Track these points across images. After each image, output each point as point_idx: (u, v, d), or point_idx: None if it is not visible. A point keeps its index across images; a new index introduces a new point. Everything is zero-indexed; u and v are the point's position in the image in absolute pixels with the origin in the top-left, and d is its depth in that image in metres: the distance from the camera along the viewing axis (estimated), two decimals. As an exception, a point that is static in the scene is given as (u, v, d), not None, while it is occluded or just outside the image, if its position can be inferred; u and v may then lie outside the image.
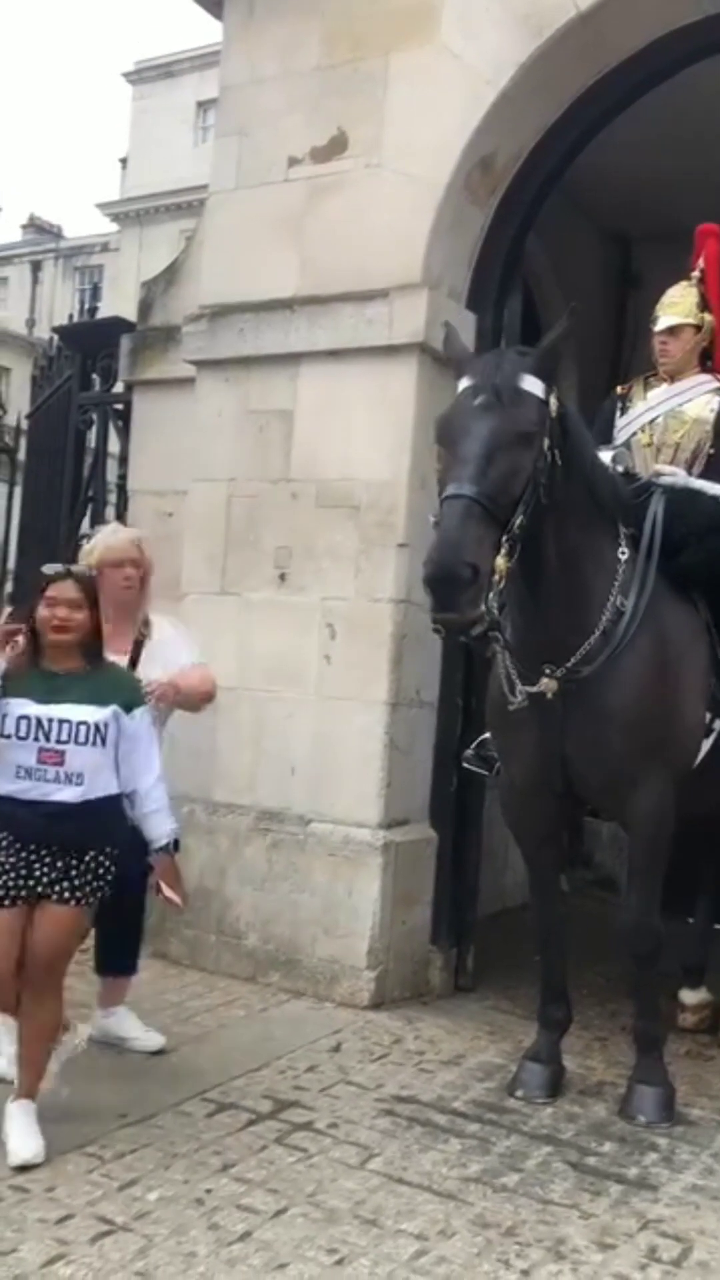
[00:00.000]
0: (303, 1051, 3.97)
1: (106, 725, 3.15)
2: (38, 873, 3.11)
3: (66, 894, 3.11)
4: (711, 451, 4.13)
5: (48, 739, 3.09)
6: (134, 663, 3.69)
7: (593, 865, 6.76)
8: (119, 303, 20.04)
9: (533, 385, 3.25)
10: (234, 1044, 3.97)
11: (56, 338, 7.01)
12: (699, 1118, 3.58)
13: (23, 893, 3.10)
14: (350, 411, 4.72)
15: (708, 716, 3.75)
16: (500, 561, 3.09)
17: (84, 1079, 3.48)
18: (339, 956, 4.55)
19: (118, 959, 3.90)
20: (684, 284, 4.25)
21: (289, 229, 4.92)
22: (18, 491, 8.01)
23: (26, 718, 3.09)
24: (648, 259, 6.98)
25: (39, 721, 3.09)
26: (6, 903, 3.10)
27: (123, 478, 5.87)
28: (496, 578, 3.08)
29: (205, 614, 4.98)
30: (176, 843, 3.35)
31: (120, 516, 5.89)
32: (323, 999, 4.52)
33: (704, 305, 4.21)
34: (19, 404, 8.30)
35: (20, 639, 3.15)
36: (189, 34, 26.23)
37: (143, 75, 31.17)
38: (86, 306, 30.83)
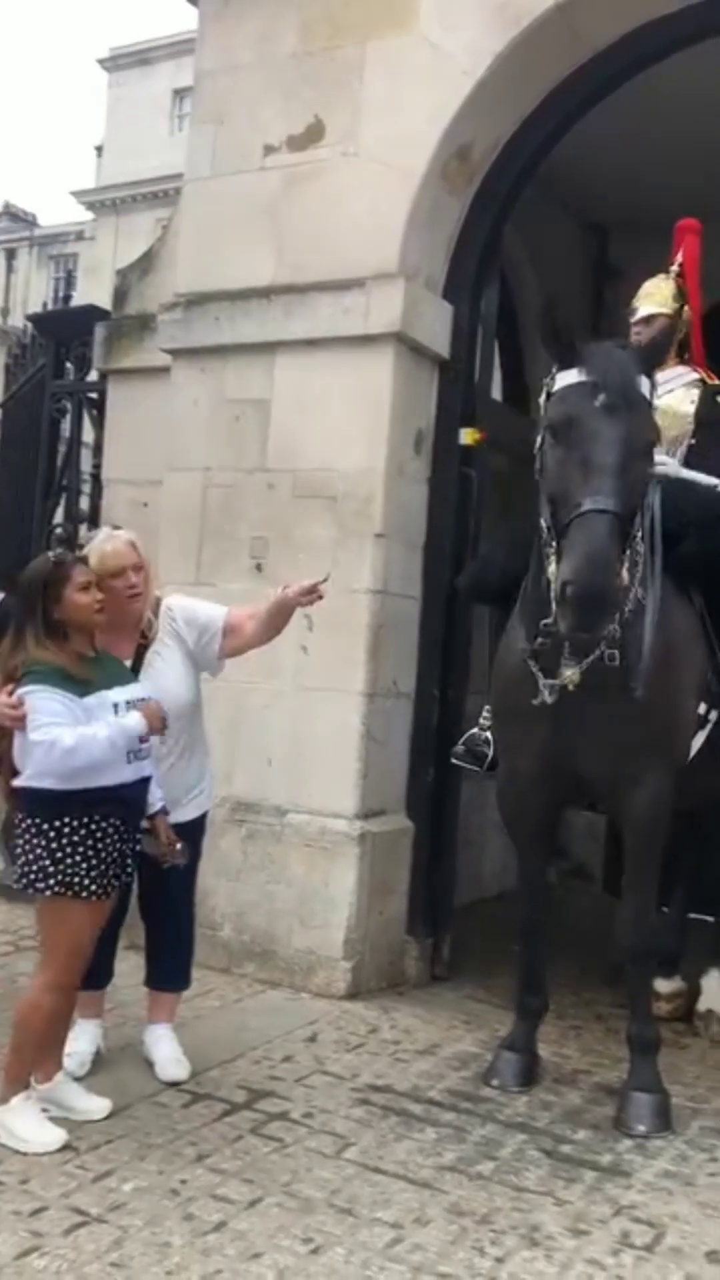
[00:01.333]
0: (278, 1042, 3.97)
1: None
2: (125, 857, 3.20)
3: (129, 877, 3.31)
4: (693, 442, 4.14)
5: None
6: (135, 669, 3.49)
7: (568, 855, 6.79)
8: (94, 291, 19.92)
9: (646, 389, 3.25)
10: (209, 1035, 3.96)
11: (31, 326, 6.95)
12: (674, 1105, 3.59)
13: (117, 885, 3.21)
14: (327, 401, 4.71)
15: (703, 708, 3.76)
16: (624, 574, 3.15)
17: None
18: (315, 947, 4.55)
19: (168, 972, 3.76)
20: (662, 276, 4.26)
21: (265, 218, 4.90)
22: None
23: (132, 702, 3.17)
24: (625, 249, 6.99)
25: (130, 705, 3.16)
26: (105, 896, 3.16)
27: (97, 467, 5.83)
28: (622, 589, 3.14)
29: (181, 604, 4.97)
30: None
31: (94, 506, 5.86)
32: (299, 989, 4.52)
33: (681, 297, 4.22)
34: (-7, 393, 8.24)
35: None
36: (165, 21, 26.14)
37: (118, 62, 30.99)
38: (61, 295, 30.61)
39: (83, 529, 5.90)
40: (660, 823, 3.60)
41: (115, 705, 3.13)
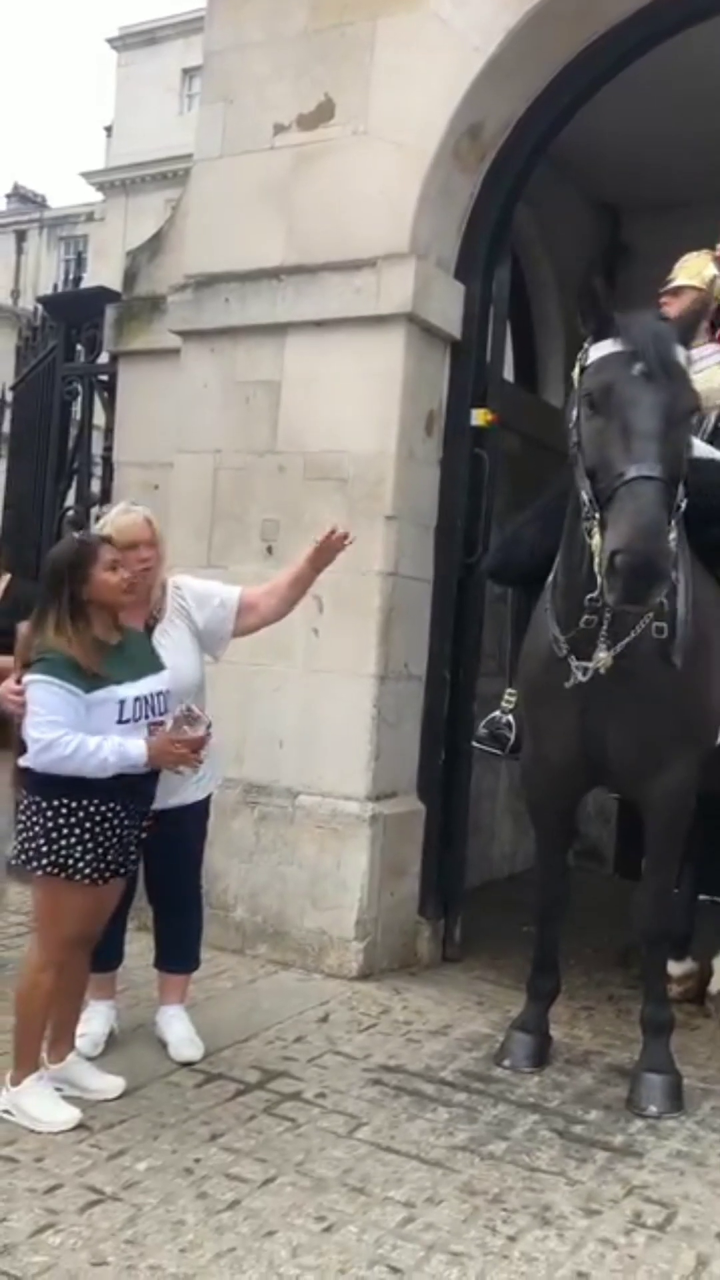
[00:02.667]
0: (291, 1022, 3.99)
1: (168, 687, 3.23)
2: (128, 844, 3.19)
3: (136, 863, 3.30)
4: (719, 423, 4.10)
5: (153, 713, 3.14)
6: None
7: (580, 836, 6.79)
8: (104, 273, 19.86)
9: (683, 358, 3.19)
10: (222, 1015, 3.98)
11: (41, 308, 6.94)
12: (685, 1086, 3.60)
13: (119, 872, 3.19)
14: (338, 382, 4.69)
15: None
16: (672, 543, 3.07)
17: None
18: (327, 928, 4.56)
19: (177, 955, 3.77)
20: (705, 251, 4.20)
21: (275, 197, 4.87)
22: (2, 465, 7.94)
23: (141, 699, 3.11)
24: (637, 229, 6.95)
25: (146, 700, 3.13)
26: (111, 876, 3.16)
27: (108, 449, 5.83)
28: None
29: (192, 587, 4.97)
30: None
31: (105, 489, 5.85)
32: (310, 970, 4.54)
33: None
34: (3, 375, 8.22)
35: None
36: (174, -1, 25.87)
37: (127, 42, 30.76)
38: (71, 276, 30.54)
39: (94, 510, 5.92)
40: (686, 808, 3.58)
41: (122, 702, 3.06)
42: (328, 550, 3.53)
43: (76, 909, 3.14)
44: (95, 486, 6.05)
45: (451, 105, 4.52)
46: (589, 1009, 4.42)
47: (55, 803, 3.06)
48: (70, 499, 6.12)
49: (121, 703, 3.07)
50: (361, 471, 4.63)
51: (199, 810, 3.68)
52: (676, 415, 3.10)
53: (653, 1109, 3.48)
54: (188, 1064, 3.57)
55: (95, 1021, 3.60)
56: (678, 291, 4.11)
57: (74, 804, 3.06)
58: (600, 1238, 2.78)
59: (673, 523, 3.09)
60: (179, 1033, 3.66)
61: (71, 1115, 3.13)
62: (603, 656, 3.33)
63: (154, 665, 3.25)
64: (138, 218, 26.96)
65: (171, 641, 3.53)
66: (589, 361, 3.24)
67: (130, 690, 3.10)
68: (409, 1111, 3.38)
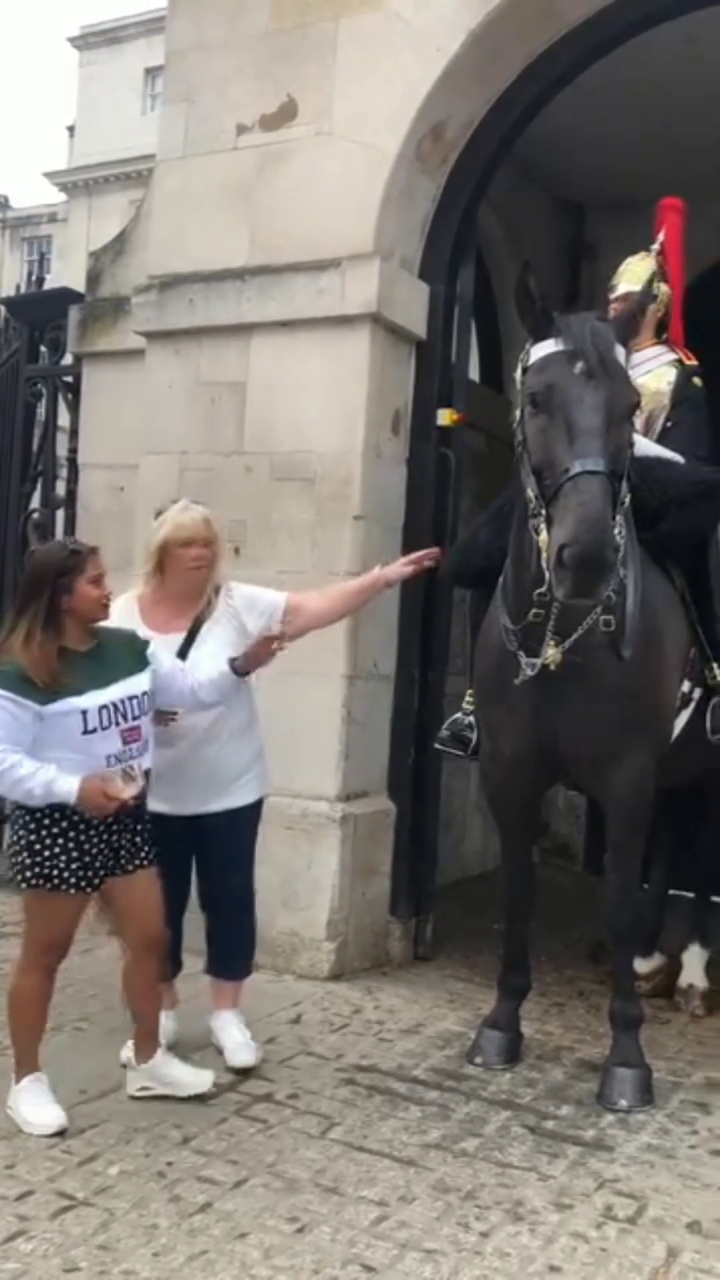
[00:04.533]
0: (262, 1023, 3.97)
1: (151, 687, 3.21)
2: (118, 848, 3.17)
3: (149, 858, 3.23)
4: (669, 424, 4.14)
5: (125, 719, 3.10)
6: (190, 640, 3.50)
7: (549, 834, 6.84)
8: (68, 273, 19.73)
9: (623, 356, 3.23)
10: (193, 1018, 3.97)
11: (3, 309, 6.88)
12: (655, 1080, 3.63)
13: (115, 873, 3.16)
14: (303, 383, 4.68)
15: (686, 686, 3.76)
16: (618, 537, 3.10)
17: (42, 1056, 3.46)
18: (298, 929, 4.56)
19: (229, 961, 3.74)
20: (642, 254, 4.24)
21: (239, 198, 4.86)
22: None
23: (106, 707, 3.05)
24: (602, 228, 6.97)
25: (115, 706, 3.08)
26: (96, 885, 3.13)
27: (73, 451, 5.80)
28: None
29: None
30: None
31: (71, 491, 5.82)
32: (282, 971, 4.53)
33: (662, 276, 4.21)
34: (-33, 377, 8.16)
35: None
36: (136, -1, 25.77)
37: (89, 41, 30.62)
38: (34, 277, 30.27)
39: (58, 513, 5.88)
40: (643, 802, 3.60)
41: (85, 712, 3.01)
42: (413, 568, 3.68)
43: (65, 918, 3.14)
44: (60, 489, 6.00)
45: (414, 105, 4.53)
46: (560, 1005, 4.45)
47: (38, 814, 3.05)
48: (35, 501, 6.08)
49: (84, 713, 3.02)
50: (328, 471, 4.63)
51: (248, 814, 3.66)
52: (618, 412, 3.14)
53: (623, 1103, 3.50)
54: (245, 1070, 3.55)
55: None
56: (627, 297, 4.14)
57: (56, 814, 3.05)
58: (572, 1231, 2.80)
59: (618, 517, 3.13)
60: (235, 1038, 3.64)
61: (54, 1119, 3.12)
62: (552, 653, 3.36)
63: (131, 668, 3.17)
64: (101, 218, 26.86)
65: (216, 641, 3.51)
66: (530, 361, 3.29)
67: (95, 699, 3.04)
68: (381, 1111, 3.39)
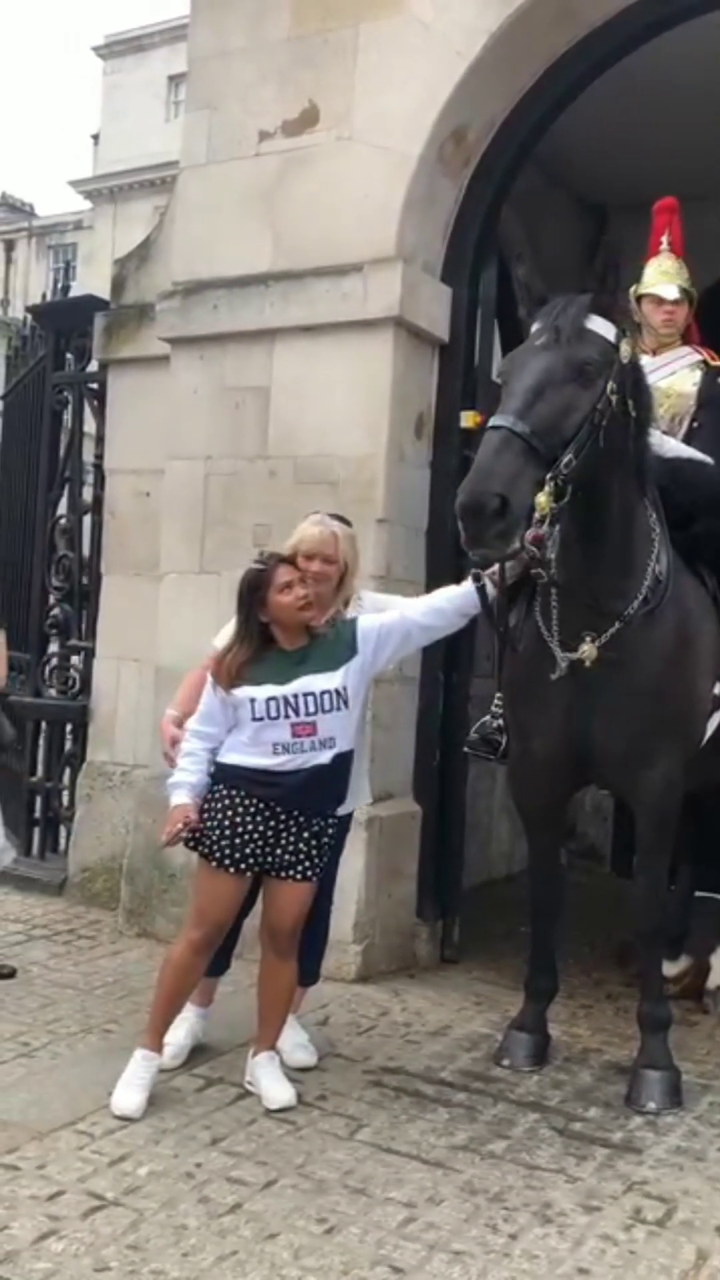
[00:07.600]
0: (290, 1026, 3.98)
1: (345, 687, 3.34)
2: (279, 848, 3.32)
3: (308, 871, 3.37)
4: (695, 424, 4.13)
5: (297, 714, 3.29)
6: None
7: (576, 836, 6.81)
8: (93, 280, 19.87)
9: (599, 325, 3.18)
10: (221, 1020, 3.97)
11: (30, 317, 6.95)
12: (684, 1082, 3.61)
13: (267, 866, 3.33)
14: (327, 387, 4.70)
15: (718, 688, 3.73)
16: (542, 499, 2.97)
17: (71, 1058, 3.50)
18: (325, 931, 4.56)
19: (300, 965, 3.64)
20: (669, 255, 4.23)
21: (261, 203, 4.89)
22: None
23: (275, 699, 3.28)
24: (625, 229, 6.95)
25: (287, 700, 3.28)
26: (244, 868, 3.31)
27: (99, 457, 5.83)
28: (538, 515, 2.97)
29: (185, 593, 4.98)
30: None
31: (97, 497, 5.86)
32: (310, 974, 4.54)
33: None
34: (-6, 385, 8.24)
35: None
36: (159, 7, 25.95)
37: (113, 49, 30.85)
38: (60, 285, 30.54)
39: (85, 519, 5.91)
40: (673, 804, 3.59)
41: (252, 701, 3.27)
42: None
43: (215, 891, 3.34)
44: (87, 495, 6.05)
45: (435, 109, 4.54)
46: (587, 1007, 4.43)
47: (214, 788, 3.34)
48: (62, 508, 6.13)
49: (253, 701, 3.28)
50: (352, 475, 4.64)
51: (338, 825, 3.61)
52: (557, 373, 3.07)
53: (651, 1105, 3.49)
54: (303, 1069, 3.59)
55: (180, 1030, 3.57)
56: (680, 303, 4.13)
57: (221, 789, 3.32)
58: (601, 1234, 2.79)
59: (549, 478, 3.00)
60: (291, 1039, 3.65)
61: (132, 1105, 3.23)
62: (587, 648, 3.35)
63: (327, 665, 3.35)
64: (126, 225, 27.03)
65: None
66: None
67: (266, 691, 3.28)
68: (409, 1112, 3.39)
